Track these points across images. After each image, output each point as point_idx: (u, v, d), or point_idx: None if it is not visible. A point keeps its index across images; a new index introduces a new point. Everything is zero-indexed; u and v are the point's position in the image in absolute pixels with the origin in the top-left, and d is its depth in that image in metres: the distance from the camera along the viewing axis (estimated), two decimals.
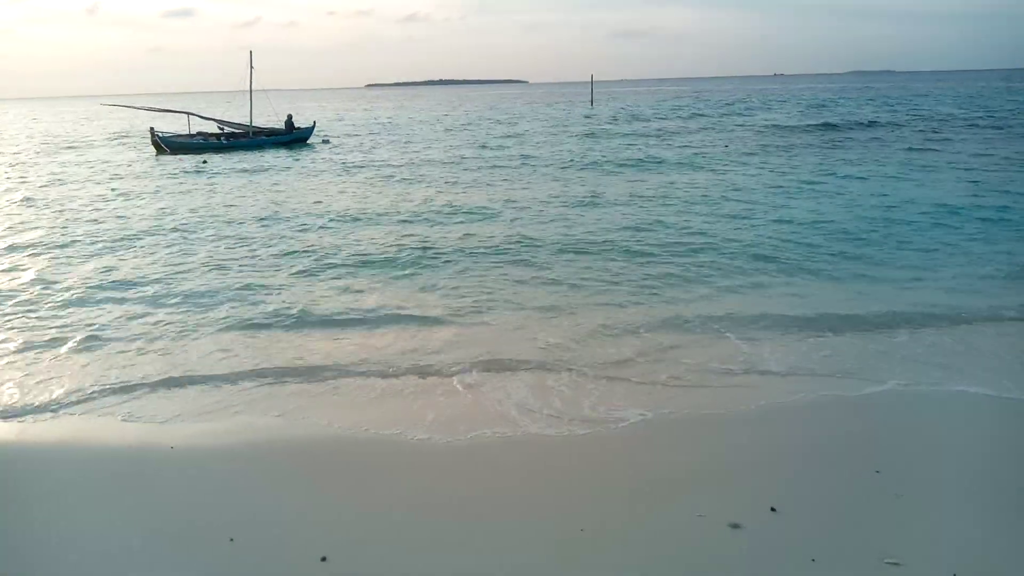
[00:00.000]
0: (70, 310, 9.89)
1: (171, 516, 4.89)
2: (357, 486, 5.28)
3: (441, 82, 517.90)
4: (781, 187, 19.33)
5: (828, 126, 38.20)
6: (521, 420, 6.29)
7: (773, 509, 4.70)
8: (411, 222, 15.88)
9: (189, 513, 4.93)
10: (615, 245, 13.03)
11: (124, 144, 40.00)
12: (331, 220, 16.25)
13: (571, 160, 26.71)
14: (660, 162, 25.51)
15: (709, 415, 6.31)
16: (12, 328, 9.18)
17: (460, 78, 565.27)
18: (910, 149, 27.13)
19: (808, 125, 39.21)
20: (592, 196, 18.59)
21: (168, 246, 13.93)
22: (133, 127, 50.12)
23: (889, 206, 16.09)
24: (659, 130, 39.47)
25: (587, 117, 55.50)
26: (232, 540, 4.55)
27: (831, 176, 21.03)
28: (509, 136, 38.52)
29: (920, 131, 34.20)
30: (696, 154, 27.49)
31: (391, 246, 13.41)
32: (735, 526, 4.54)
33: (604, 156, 27.59)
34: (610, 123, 46.13)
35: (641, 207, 16.99)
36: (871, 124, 38.74)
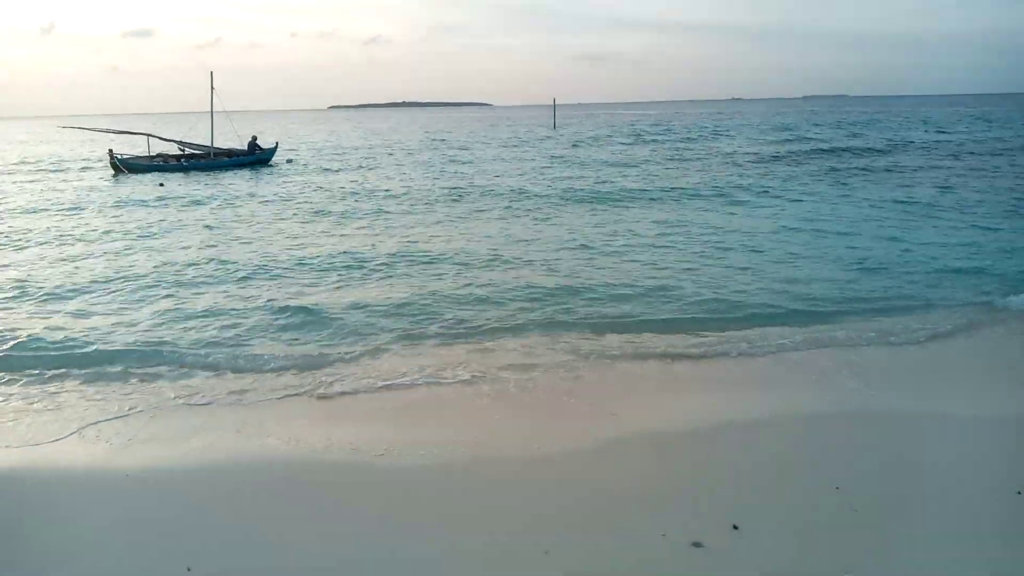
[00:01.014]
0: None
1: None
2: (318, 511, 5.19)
3: (404, 104, 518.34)
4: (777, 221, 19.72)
5: (816, 152, 36.97)
6: (483, 439, 6.27)
7: (735, 527, 4.73)
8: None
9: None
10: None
11: (79, 167, 39.14)
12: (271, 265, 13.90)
13: (540, 193, 23.88)
14: (637, 193, 23.41)
15: (669, 432, 6.35)
16: None
17: (424, 100, 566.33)
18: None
19: (780, 150, 38.49)
20: (575, 236, 16.18)
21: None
22: (91, 152, 49.14)
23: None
24: (626, 157, 37.72)
25: (548, 138, 56.39)
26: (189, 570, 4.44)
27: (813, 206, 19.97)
28: (468, 163, 37.07)
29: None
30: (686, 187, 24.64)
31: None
32: (697, 544, 4.56)
33: (574, 186, 25.34)
34: (571, 148, 45.84)
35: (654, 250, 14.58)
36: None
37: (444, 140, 59.17)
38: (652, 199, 22.15)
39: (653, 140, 51.04)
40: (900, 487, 5.35)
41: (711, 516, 4.89)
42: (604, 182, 26.70)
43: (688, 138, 52.23)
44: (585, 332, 9.35)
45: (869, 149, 38.67)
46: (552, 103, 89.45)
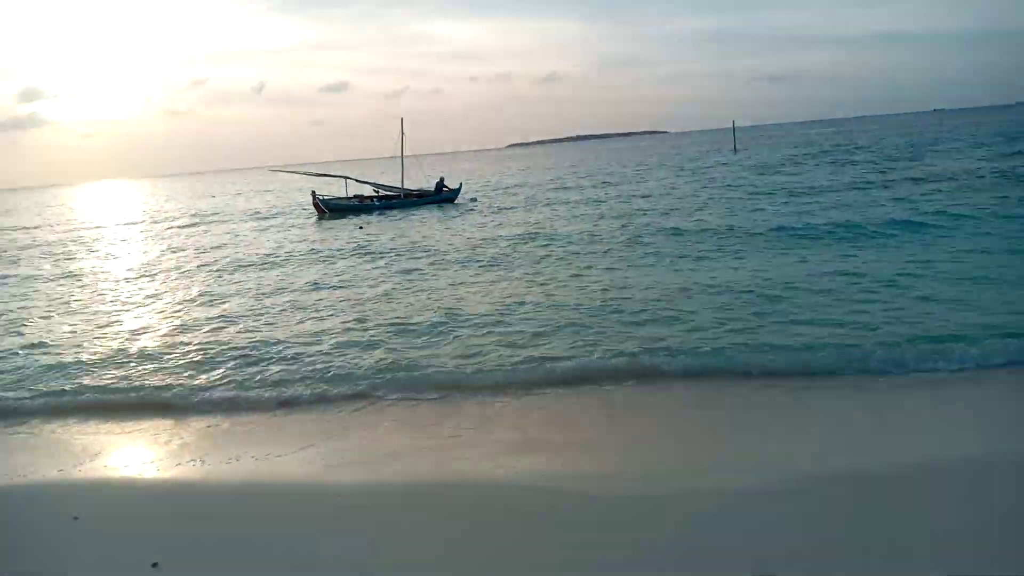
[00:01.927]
0: None
1: None
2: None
3: (580, 138, 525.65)
4: None
5: None
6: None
7: None
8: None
9: None
10: None
11: (286, 214, 43.35)
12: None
13: (731, 227, 20.98)
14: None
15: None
16: None
17: (599, 132, 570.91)
18: None
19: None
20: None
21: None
22: (291, 198, 54.29)
23: None
24: (826, 181, 33.02)
25: (722, 165, 54.61)
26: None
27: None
28: (648, 196, 34.59)
29: None
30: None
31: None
32: None
33: (770, 220, 21.75)
34: (758, 174, 41.59)
35: None
36: None
37: (618, 172, 59.02)
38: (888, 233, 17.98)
39: (848, 161, 45.13)
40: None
41: None
42: (807, 212, 22.98)
43: (892, 157, 45.93)
44: None
45: None
46: (731, 126, 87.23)
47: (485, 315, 12.74)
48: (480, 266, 18.24)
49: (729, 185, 36.52)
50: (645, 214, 26.92)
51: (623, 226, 23.69)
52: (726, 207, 26.68)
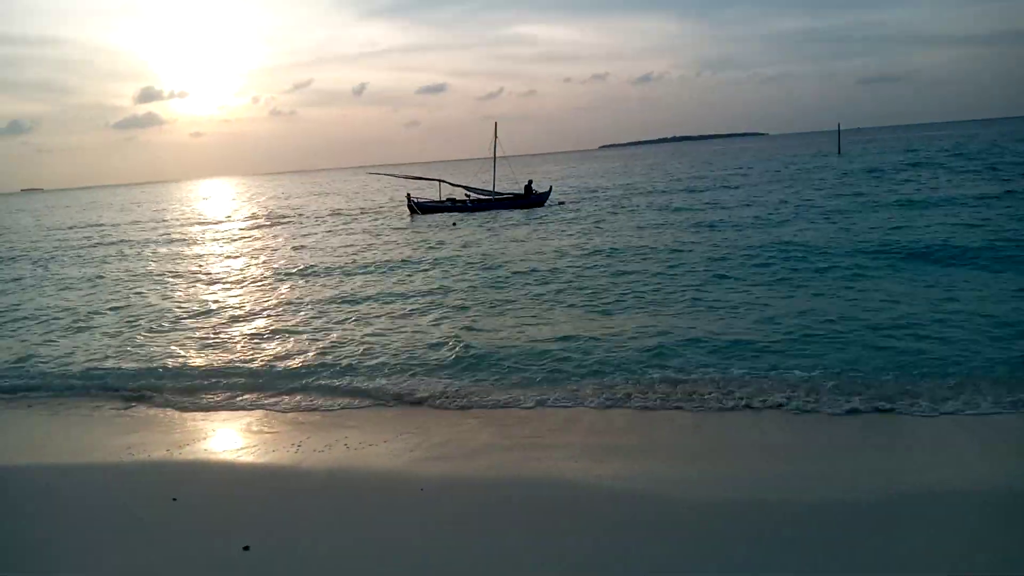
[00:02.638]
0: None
1: None
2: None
3: (674, 139, 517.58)
4: None
5: None
6: None
7: None
8: None
9: None
10: None
11: (381, 212, 44.49)
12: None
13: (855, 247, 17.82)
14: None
15: None
16: None
17: (694, 134, 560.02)
18: None
19: None
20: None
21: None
22: (392, 197, 55.45)
23: None
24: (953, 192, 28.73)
25: (828, 168, 52.01)
26: None
27: None
28: (749, 204, 31.49)
29: None
30: None
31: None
32: None
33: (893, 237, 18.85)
34: (874, 182, 36.58)
35: None
36: None
37: (712, 175, 57.48)
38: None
39: (973, 171, 38.11)
40: None
41: None
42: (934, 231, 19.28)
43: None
44: None
45: None
46: (836, 128, 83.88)
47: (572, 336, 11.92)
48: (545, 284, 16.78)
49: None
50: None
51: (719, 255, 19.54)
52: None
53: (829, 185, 37.67)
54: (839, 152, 73.62)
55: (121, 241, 36.14)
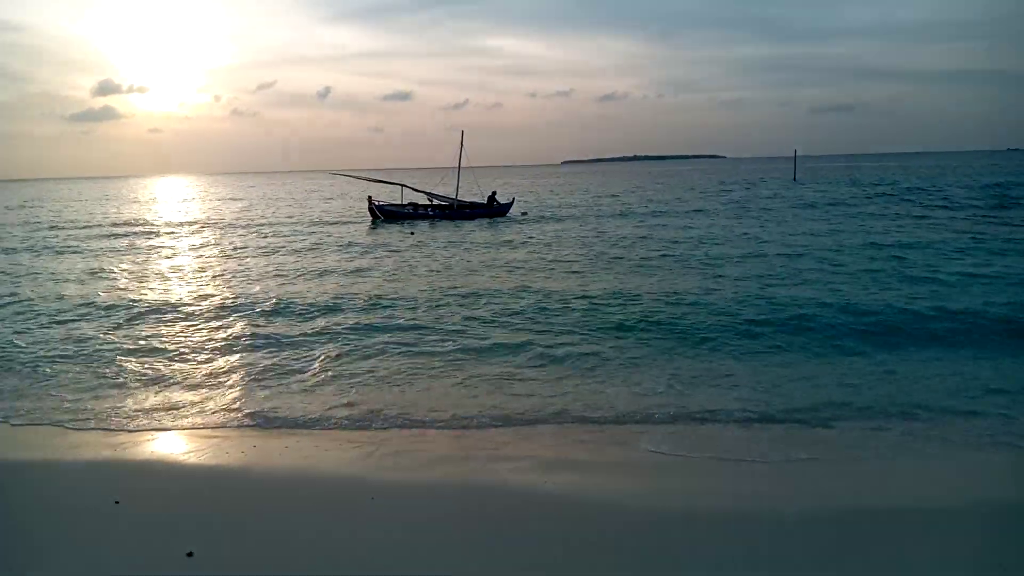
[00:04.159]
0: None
1: None
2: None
3: (636, 158, 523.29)
4: None
5: None
6: None
7: None
8: None
9: None
10: None
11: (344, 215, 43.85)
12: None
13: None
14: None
15: None
16: None
17: (655, 153, 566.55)
18: None
19: None
20: None
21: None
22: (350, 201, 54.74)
23: None
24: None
25: (778, 197, 53.02)
26: None
27: None
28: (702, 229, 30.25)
29: None
30: None
31: None
32: None
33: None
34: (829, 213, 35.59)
35: None
36: None
37: (672, 199, 58.13)
38: None
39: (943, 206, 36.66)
40: None
41: None
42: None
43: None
44: None
45: None
46: (793, 154, 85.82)
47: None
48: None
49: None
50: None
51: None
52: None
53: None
54: (795, 178, 75.16)
55: None
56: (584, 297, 15.53)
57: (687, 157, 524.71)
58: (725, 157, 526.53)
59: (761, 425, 8.12)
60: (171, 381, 10.27)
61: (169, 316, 14.79)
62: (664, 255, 22.05)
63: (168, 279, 20.22)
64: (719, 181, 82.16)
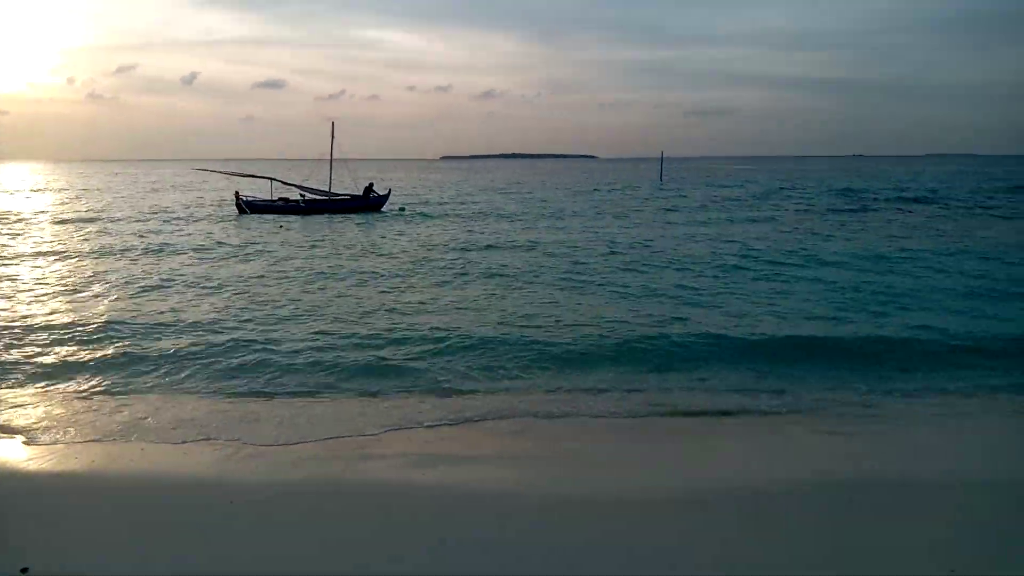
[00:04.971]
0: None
1: None
2: None
3: (513, 155, 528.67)
4: None
5: None
6: None
7: None
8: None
9: None
10: None
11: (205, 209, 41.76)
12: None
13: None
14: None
15: None
16: None
17: (531, 152, 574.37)
18: None
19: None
20: None
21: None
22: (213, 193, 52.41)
23: None
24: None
25: (646, 200, 54.87)
26: None
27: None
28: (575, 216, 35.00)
29: None
30: None
31: None
32: None
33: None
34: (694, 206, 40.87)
35: None
36: None
37: (551, 197, 58.89)
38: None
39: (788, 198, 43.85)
40: None
41: None
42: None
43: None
44: None
45: None
46: (660, 156, 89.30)
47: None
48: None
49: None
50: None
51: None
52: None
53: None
54: (661, 179, 77.95)
55: None
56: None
57: (563, 156, 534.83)
58: (597, 157, 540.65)
59: None
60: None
61: None
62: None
63: None
64: (591, 183, 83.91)
